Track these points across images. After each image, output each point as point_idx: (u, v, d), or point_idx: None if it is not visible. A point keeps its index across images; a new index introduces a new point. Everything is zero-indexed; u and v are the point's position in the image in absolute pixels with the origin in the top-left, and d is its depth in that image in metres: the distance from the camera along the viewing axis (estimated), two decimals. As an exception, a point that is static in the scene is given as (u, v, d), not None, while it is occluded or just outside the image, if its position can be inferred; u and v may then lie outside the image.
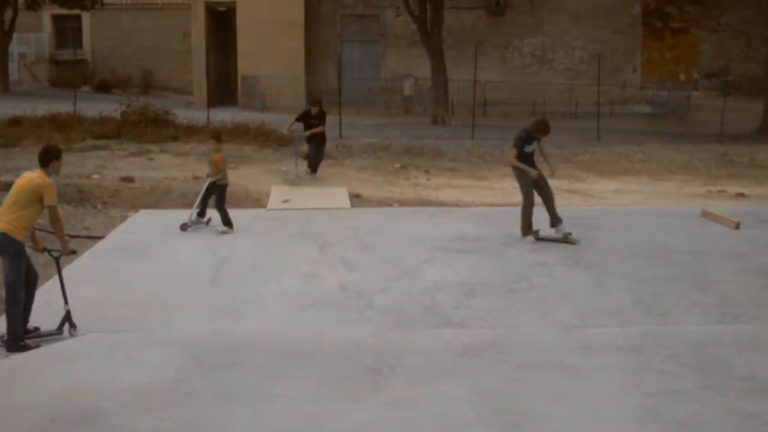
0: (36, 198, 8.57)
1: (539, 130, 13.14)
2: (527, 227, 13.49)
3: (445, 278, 11.12)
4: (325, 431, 5.05)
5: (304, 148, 20.05)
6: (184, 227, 13.65)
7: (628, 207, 14.74)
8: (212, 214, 14.25)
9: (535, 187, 13.41)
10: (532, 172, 13.04)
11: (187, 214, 14.16)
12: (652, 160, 25.62)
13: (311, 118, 19.21)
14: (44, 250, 9.15)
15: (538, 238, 13.32)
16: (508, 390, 5.67)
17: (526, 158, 13.23)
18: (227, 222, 13.76)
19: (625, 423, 5.19)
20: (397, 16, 39.42)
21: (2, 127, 27.29)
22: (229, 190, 17.14)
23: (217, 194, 13.97)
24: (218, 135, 14.77)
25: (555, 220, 13.50)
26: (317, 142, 19.53)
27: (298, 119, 19.51)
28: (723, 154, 26.68)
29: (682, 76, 54.12)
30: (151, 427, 5.15)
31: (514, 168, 13.45)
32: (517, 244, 13.15)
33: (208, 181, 14.03)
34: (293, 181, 19.33)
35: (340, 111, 29.72)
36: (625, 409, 5.39)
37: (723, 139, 29.94)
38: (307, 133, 18.86)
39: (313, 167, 18.99)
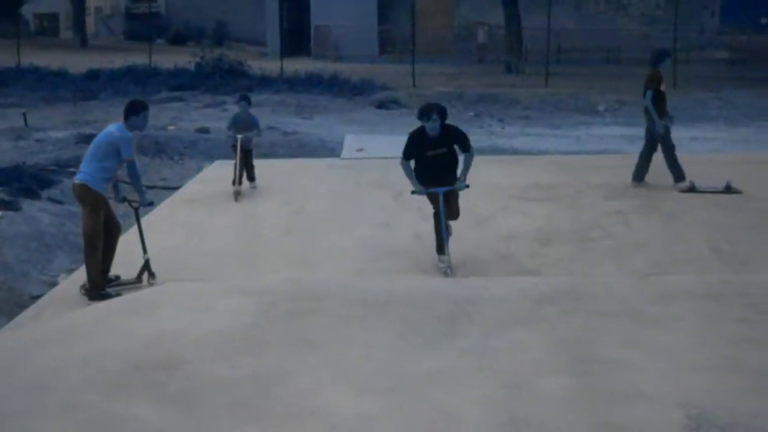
0: (113, 151, 8.67)
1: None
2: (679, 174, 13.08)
3: (519, 226, 11.06)
4: (401, 378, 5.07)
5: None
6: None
7: (705, 154, 14.49)
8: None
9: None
10: None
11: (263, 164, 14.21)
12: (729, 106, 25.11)
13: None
14: (124, 200, 9.28)
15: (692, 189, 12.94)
16: (585, 338, 5.64)
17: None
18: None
19: (705, 372, 5.13)
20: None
21: (80, 80, 27.69)
22: (304, 139, 17.22)
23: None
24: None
25: None
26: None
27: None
28: (805, 100, 26.05)
29: (763, 20, 52.78)
30: (228, 374, 5.23)
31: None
32: (592, 192, 13.00)
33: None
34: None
35: (413, 60, 29.57)
36: (704, 358, 5.32)
37: (805, 84, 29.22)
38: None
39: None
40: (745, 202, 12.38)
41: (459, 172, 9.73)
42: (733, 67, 35.63)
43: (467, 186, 9.72)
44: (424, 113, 9.61)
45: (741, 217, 11.57)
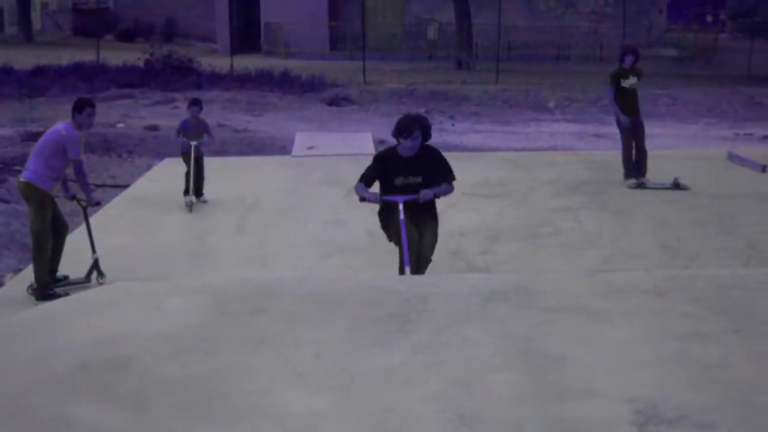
0: (60, 149, 8.62)
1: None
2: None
3: (470, 223, 11.14)
4: (352, 376, 5.08)
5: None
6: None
7: (654, 150, 14.63)
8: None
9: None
10: None
11: (213, 163, 14.16)
12: (678, 103, 25.44)
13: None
14: (73, 198, 9.23)
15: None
16: (535, 335, 5.69)
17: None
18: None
19: (652, 366, 5.20)
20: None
21: (27, 76, 27.37)
22: (254, 137, 17.21)
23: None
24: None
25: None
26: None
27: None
28: (750, 97, 26.45)
29: (709, 18, 53.44)
30: (179, 374, 5.21)
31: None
32: (541, 188, 13.12)
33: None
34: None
35: (364, 56, 29.63)
36: (652, 353, 5.39)
37: (750, 81, 29.64)
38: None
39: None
40: (693, 198, 12.56)
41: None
42: (680, 65, 36.09)
43: (437, 196, 8.04)
44: (403, 129, 7.62)
45: (689, 213, 11.75)
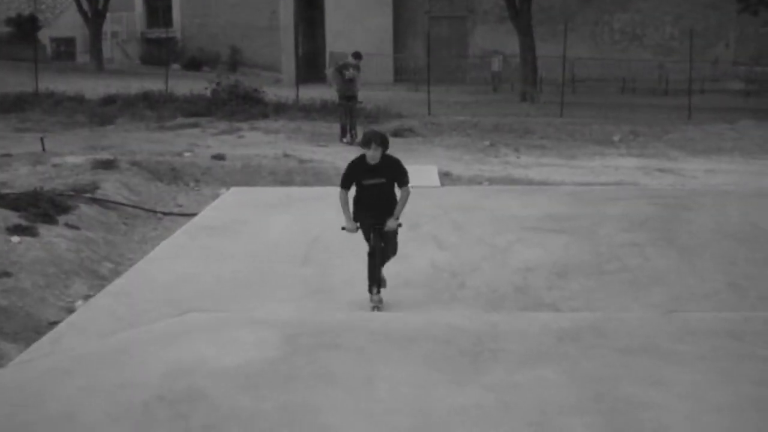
0: None
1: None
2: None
3: (536, 258, 11.06)
4: (426, 415, 5.07)
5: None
6: None
7: (721, 187, 14.49)
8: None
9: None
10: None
11: (278, 192, 14.26)
12: (746, 138, 25.09)
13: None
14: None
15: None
16: (608, 375, 5.63)
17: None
18: None
19: (729, 412, 5.12)
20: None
21: (97, 105, 27.82)
22: (319, 167, 17.31)
23: None
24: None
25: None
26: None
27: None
28: (820, 132, 26.01)
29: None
30: (251, 407, 5.24)
31: None
32: (607, 223, 13.02)
33: None
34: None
35: (429, 88, 29.67)
36: (729, 398, 5.31)
37: (820, 116, 29.18)
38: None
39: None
40: (761, 235, 12.37)
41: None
42: (747, 99, 35.64)
43: (400, 225, 9.50)
44: (365, 141, 9.40)
45: (758, 251, 11.56)
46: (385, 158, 9.49)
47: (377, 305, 9.14)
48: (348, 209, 9.49)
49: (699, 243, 11.99)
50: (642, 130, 25.70)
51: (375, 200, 9.51)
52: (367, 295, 9.15)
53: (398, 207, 9.54)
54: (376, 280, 9.33)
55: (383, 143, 9.44)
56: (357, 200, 9.64)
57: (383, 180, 9.52)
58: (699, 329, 6.60)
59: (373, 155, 9.35)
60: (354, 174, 9.55)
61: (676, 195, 14.99)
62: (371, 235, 9.43)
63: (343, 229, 9.55)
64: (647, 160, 21.36)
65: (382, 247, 9.46)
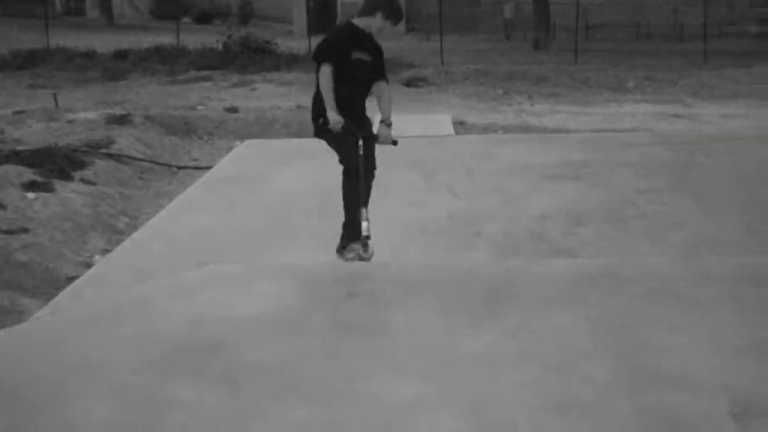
0: None
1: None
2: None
3: (552, 205, 11.05)
4: (444, 360, 5.09)
5: None
6: None
7: (738, 131, 14.38)
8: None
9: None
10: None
11: (292, 144, 14.26)
12: (762, 82, 24.90)
13: None
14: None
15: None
16: (627, 321, 5.64)
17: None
18: None
19: (748, 356, 5.12)
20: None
21: (109, 60, 27.78)
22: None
23: None
24: None
25: None
26: None
27: None
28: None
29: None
30: (270, 358, 5.27)
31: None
32: (623, 170, 12.97)
33: None
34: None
35: (441, 37, 29.52)
36: (749, 341, 5.31)
37: (838, 58, 28.90)
38: None
39: None
40: (784, 179, 12.29)
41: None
42: (764, 42, 35.32)
43: (395, 142, 7.64)
44: (376, 5, 7.35)
45: (778, 195, 11.50)
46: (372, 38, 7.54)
47: (357, 256, 7.41)
48: (332, 96, 7.13)
49: (716, 188, 11.94)
50: (657, 76, 25.54)
51: (356, 92, 7.41)
52: (384, 244, 8.94)
53: (387, 106, 7.65)
54: (358, 221, 7.32)
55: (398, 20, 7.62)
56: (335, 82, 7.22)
57: (370, 60, 7.48)
58: (717, 274, 6.59)
59: (378, 29, 7.50)
60: (341, 43, 7.35)
61: (693, 140, 14.91)
62: (354, 145, 7.28)
63: (324, 124, 7.26)
64: (663, 105, 21.23)
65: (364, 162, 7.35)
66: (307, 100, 8.32)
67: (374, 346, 5.33)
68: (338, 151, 7.45)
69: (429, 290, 6.22)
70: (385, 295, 6.17)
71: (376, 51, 7.51)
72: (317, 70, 7.16)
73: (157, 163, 14.44)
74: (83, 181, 12.31)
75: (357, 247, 7.36)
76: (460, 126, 17.62)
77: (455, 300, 6.01)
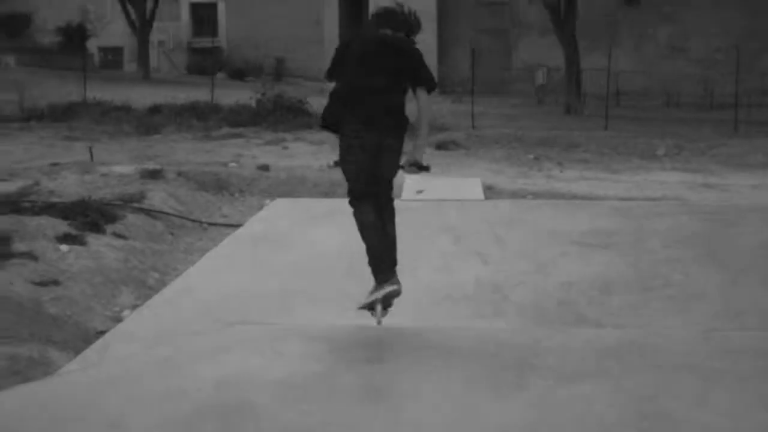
0: None
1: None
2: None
3: (579, 273, 11.07)
4: (470, 430, 5.13)
5: None
6: None
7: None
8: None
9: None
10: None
11: (322, 204, 14.38)
12: (795, 153, 24.89)
13: None
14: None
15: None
16: (650, 394, 5.66)
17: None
18: None
19: (770, 431, 5.14)
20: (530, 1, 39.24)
21: (144, 114, 28.16)
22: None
23: None
24: None
25: None
26: None
27: None
28: None
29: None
30: (297, 420, 5.32)
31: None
32: (651, 239, 12.98)
33: None
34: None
35: (473, 101, 29.73)
36: (769, 417, 5.33)
37: None
38: None
39: None
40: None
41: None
42: (795, 112, 35.33)
43: (427, 168, 6.61)
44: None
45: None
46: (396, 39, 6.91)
47: (379, 317, 6.72)
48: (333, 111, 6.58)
49: (744, 260, 11.92)
50: (687, 145, 25.58)
51: (376, 101, 6.58)
52: (412, 309, 8.96)
53: (422, 133, 6.57)
54: (391, 259, 6.32)
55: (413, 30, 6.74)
56: (341, 97, 6.82)
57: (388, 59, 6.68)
58: (739, 348, 6.60)
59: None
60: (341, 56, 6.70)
61: (722, 211, 14.92)
62: (361, 170, 6.37)
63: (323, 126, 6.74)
64: (692, 174, 21.26)
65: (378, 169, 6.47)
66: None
67: (399, 414, 5.37)
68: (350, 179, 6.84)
69: (455, 358, 6.27)
70: (411, 362, 6.22)
71: (401, 60, 6.90)
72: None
73: (188, 219, 14.60)
74: (115, 234, 12.47)
75: (389, 286, 6.81)
76: (489, 190, 17.71)
77: (481, 369, 6.05)
